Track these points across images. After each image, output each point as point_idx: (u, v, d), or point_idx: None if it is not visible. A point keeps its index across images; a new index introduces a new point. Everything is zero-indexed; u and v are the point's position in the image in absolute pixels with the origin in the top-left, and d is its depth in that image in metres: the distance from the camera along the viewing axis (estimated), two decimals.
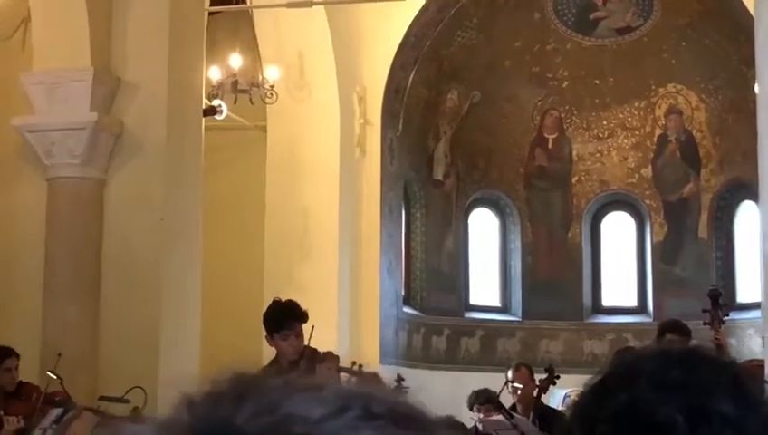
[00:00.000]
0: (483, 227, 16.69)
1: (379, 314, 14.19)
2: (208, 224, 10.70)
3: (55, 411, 7.75)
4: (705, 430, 1.19)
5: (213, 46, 11.77)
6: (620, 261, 16.66)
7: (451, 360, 15.72)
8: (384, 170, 14.51)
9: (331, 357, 6.48)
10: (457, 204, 16.31)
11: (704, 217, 16.13)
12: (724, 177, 15.95)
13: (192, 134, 9.98)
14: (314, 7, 12.20)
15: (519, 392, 8.60)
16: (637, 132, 16.48)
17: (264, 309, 6.25)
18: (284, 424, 0.82)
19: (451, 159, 16.18)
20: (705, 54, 15.63)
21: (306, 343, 6.33)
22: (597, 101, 16.47)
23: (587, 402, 1.31)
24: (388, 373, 10.17)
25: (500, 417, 7.95)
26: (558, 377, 8.59)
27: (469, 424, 8.44)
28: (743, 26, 13.66)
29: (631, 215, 16.68)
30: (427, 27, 14.93)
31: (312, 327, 6.30)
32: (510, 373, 8.68)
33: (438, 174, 16.08)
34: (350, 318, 13.42)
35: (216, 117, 11.99)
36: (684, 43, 15.78)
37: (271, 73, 12.59)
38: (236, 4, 12.76)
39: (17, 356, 8.03)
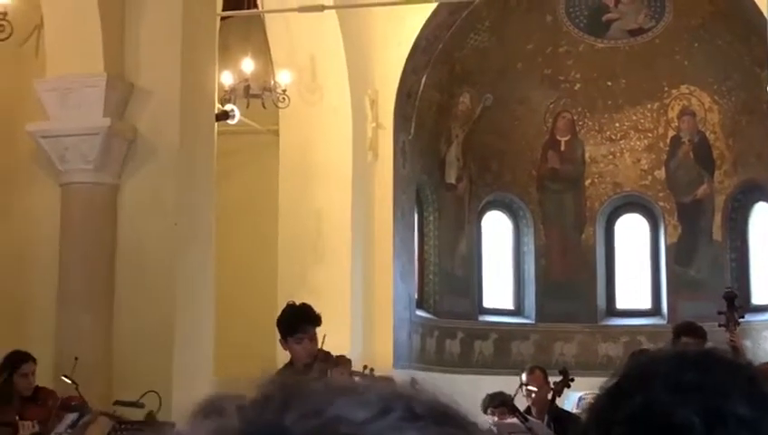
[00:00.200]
0: (496, 229, 16.68)
1: (392, 318, 14.19)
2: (221, 228, 10.71)
3: (70, 416, 7.78)
4: (722, 431, 1.19)
5: (225, 51, 11.80)
6: (634, 263, 16.63)
7: (465, 363, 15.71)
8: (396, 174, 14.51)
9: (344, 361, 6.49)
10: (470, 207, 16.30)
11: (717, 218, 16.09)
12: (737, 178, 15.90)
13: (205, 139, 10.00)
14: (326, 11, 12.20)
15: (533, 395, 8.57)
16: (650, 134, 16.45)
17: (278, 313, 6.26)
18: (331, 426, 0.84)
19: (463, 162, 16.18)
20: (717, 55, 15.59)
21: (319, 347, 6.33)
22: (609, 102, 16.44)
23: (602, 405, 1.31)
24: (401, 377, 10.17)
25: (514, 420, 7.94)
26: (572, 380, 8.58)
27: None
28: (755, 27, 13.64)
29: (645, 217, 16.65)
30: (438, 30, 14.93)
31: (324, 336, 6.30)
32: (524, 376, 8.66)
33: (451, 177, 16.08)
34: (364, 322, 13.42)
35: (229, 121, 12.01)
36: (696, 45, 15.75)
37: (283, 78, 12.61)
38: (248, 8, 12.78)
39: (34, 361, 8.05)
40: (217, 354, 10.08)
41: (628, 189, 16.56)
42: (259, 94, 12.40)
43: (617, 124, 16.52)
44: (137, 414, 7.95)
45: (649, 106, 16.36)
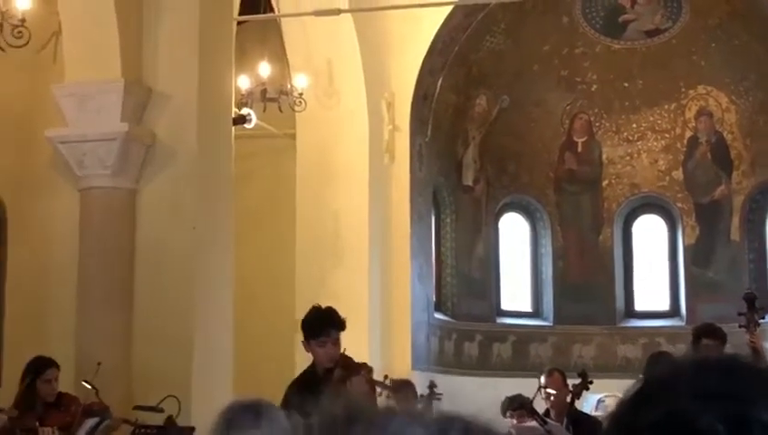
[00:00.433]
0: (513, 231, 16.66)
1: (410, 320, 14.19)
2: (240, 232, 10.73)
3: (90, 422, 7.80)
4: None
5: (242, 55, 11.82)
6: (652, 264, 16.58)
7: (483, 365, 15.70)
8: (413, 176, 14.51)
9: (365, 369, 6.49)
10: (487, 209, 16.29)
11: (735, 219, 16.04)
12: (755, 179, 15.85)
13: (222, 143, 10.02)
14: (342, 15, 12.22)
15: (552, 398, 8.55)
16: (667, 135, 16.41)
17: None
18: None
19: (480, 164, 16.17)
20: (734, 55, 15.55)
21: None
22: (626, 103, 16.41)
23: (624, 412, 1.31)
24: (420, 380, 10.16)
25: (533, 423, 7.93)
26: (591, 382, 8.56)
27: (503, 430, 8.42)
28: None
29: (663, 218, 16.61)
30: (454, 32, 14.92)
31: (344, 349, 6.29)
32: (543, 379, 8.64)
33: (468, 179, 16.07)
34: (382, 324, 13.42)
35: (246, 125, 12.03)
36: (713, 45, 15.71)
37: (299, 81, 12.62)
38: (264, 12, 12.80)
39: (57, 367, 8.08)
40: (236, 358, 10.09)
41: (646, 190, 16.53)
42: (276, 98, 12.41)
43: (634, 125, 16.48)
44: (156, 419, 7.97)
45: (666, 107, 16.32)
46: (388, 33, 13.97)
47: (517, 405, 8.51)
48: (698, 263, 16.15)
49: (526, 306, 16.55)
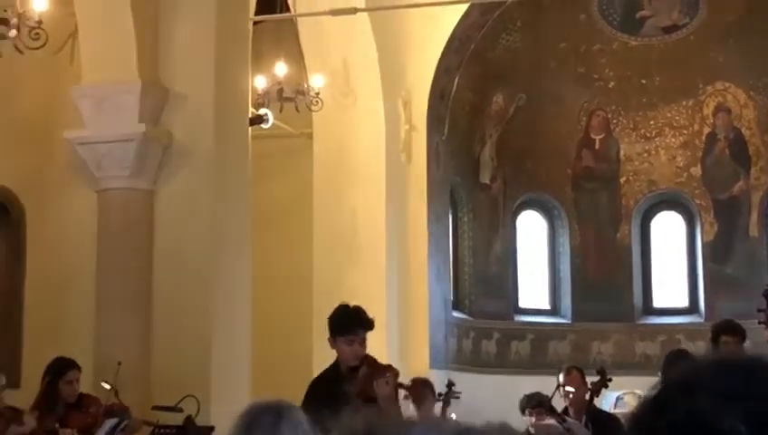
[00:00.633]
0: (530, 229, 16.64)
1: (428, 319, 14.19)
2: (257, 231, 10.74)
3: (110, 422, 7.82)
4: None
5: (258, 55, 11.83)
6: (671, 261, 16.54)
7: (501, 364, 15.68)
8: (430, 175, 14.50)
9: (391, 371, 6.50)
10: (505, 207, 16.27)
11: (754, 215, 15.98)
12: None
13: (239, 143, 10.03)
14: (358, 14, 12.22)
15: (571, 396, 8.53)
16: (685, 131, 16.36)
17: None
18: None
19: (497, 162, 16.14)
20: (752, 51, 15.48)
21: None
22: (644, 100, 16.36)
23: (645, 413, 1.30)
24: (438, 378, 10.14)
25: (552, 421, 7.91)
26: (610, 380, 8.52)
27: (521, 428, 8.40)
28: None
29: (681, 214, 16.56)
30: (471, 31, 14.90)
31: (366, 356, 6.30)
32: (561, 377, 8.61)
33: (485, 177, 16.05)
34: (400, 323, 13.42)
35: (263, 126, 12.04)
36: (731, 41, 15.65)
37: (316, 81, 12.63)
38: (281, 12, 12.81)
39: (79, 369, 8.10)
40: (254, 356, 10.11)
41: (664, 187, 16.48)
42: (292, 98, 12.42)
43: (651, 122, 16.44)
44: (176, 419, 7.99)
45: (684, 103, 16.27)
46: (404, 32, 13.96)
47: (536, 403, 8.50)
48: (717, 259, 16.09)
49: (544, 304, 16.52)
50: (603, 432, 7.96)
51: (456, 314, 15.32)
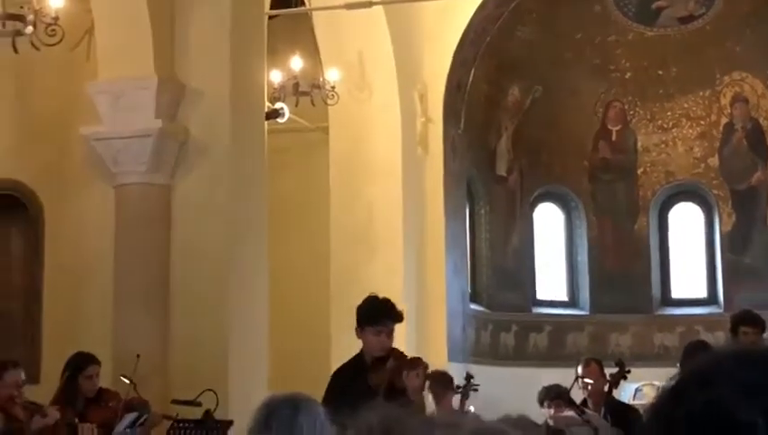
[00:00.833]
0: (548, 221, 16.62)
1: (445, 312, 14.18)
2: (273, 226, 10.76)
3: (129, 417, 7.85)
4: None
5: (273, 50, 11.83)
6: (689, 252, 16.49)
7: (520, 356, 15.67)
8: (447, 168, 14.48)
9: (420, 364, 6.52)
10: (521, 199, 16.25)
11: None
12: None
13: (256, 138, 10.04)
14: (373, 7, 12.21)
15: (589, 388, 8.53)
16: (702, 122, 16.30)
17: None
18: None
19: (514, 154, 16.12)
20: None
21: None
22: (660, 91, 16.31)
23: (663, 403, 1.30)
24: (456, 371, 10.15)
25: (571, 413, 7.91)
26: (629, 371, 8.52)
27: (540, 420, 8.40)
28: None
29: (699, 205, 16.51)
30: (486, 23, 14.88)
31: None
32: (580, 369, 8.61)
33: (501, 170, 16.03)
34: (417, 316, 13.41)
35: (279, 120, 12.04)
36: (748, 31, 15.57)
37: (331, 75, 12.63)
38: (296, 6, 12.81)
39: (99, 364, 8.14)
40: (272, 350, 10.13)
41: (681, 178, 16.43)
42: (308, 92, 12.42)
43: (668, 113, 16.38)
44: (194, 413, 8.01)
45: (701, 93, 16.21)
46: (419, 24, 13.95)
47: (554, 395, 8.49)
48: (735, 250, 16.04)
49: (562, 296, 16.50)
50: (622, 424, 7.95)
51: (473, 306, 15.32)
